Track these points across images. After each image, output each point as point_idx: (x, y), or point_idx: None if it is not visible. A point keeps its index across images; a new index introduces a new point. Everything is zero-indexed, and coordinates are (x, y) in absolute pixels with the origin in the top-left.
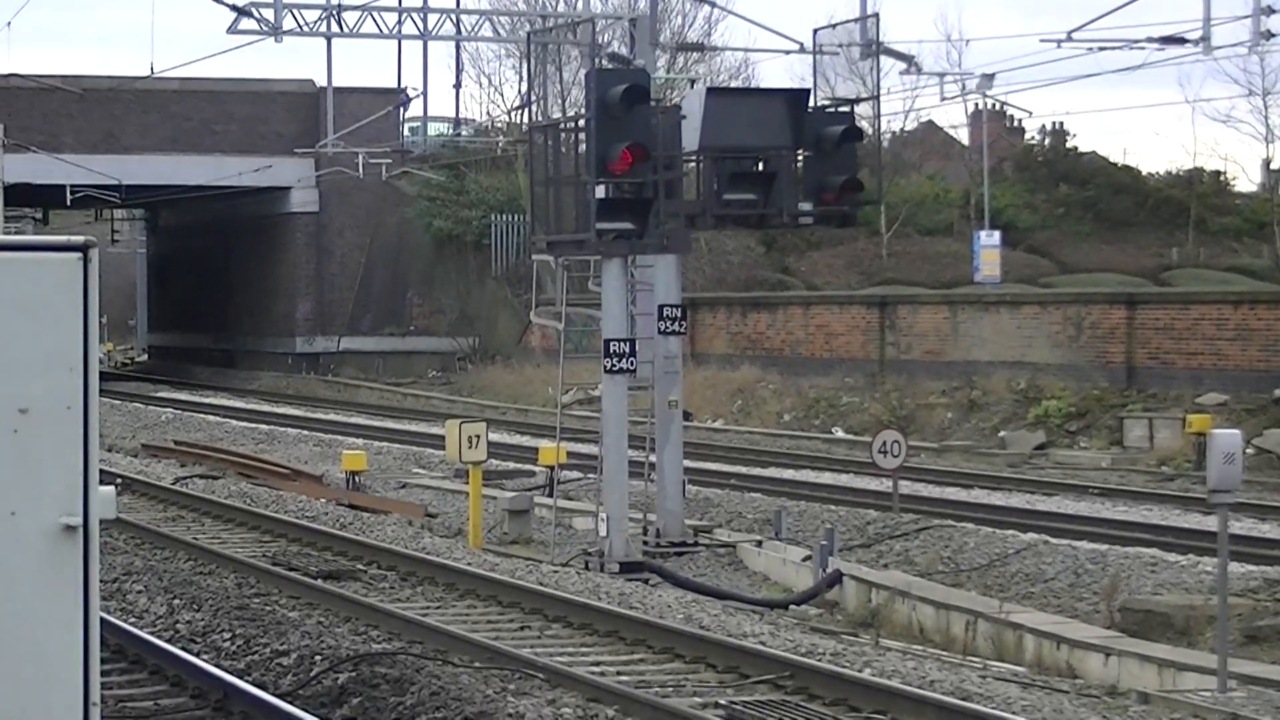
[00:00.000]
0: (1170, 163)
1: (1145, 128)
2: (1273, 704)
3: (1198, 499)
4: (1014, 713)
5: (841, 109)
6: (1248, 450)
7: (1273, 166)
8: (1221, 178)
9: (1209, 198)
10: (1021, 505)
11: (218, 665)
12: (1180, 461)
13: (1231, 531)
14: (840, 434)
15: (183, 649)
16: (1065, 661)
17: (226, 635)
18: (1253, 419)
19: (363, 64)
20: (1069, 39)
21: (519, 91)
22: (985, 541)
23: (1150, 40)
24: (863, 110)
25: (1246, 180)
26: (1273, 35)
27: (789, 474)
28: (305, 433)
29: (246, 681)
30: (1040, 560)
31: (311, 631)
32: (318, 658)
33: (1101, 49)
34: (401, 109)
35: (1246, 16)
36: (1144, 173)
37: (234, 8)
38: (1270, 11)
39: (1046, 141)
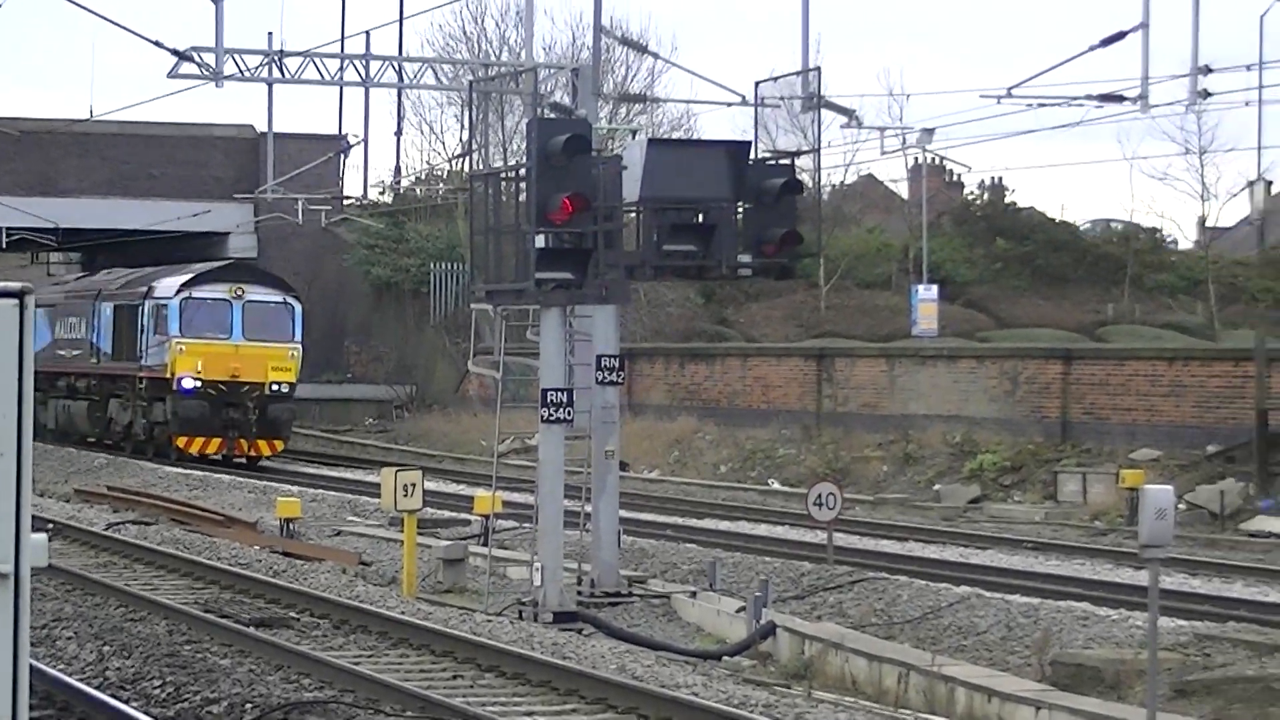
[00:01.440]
0: (1108, 218)
1: (1083, 184)
2: None
3: (1130, 554)
4: None
5: (782, 161)
6: (1180, 506)
7: (1208, 224)
8: (1158, 235)
9: (1145, 254)
10: (955, 559)
11: (147, 713)
12: (1113, 516)
13: (1162, 587)
14: (776, 485)
15: (112, 696)
16: (996, 715)
17: (157, 683)
18: (1185, 474)
19: (304, 110)
20: (1009, 95)
21: (460, 140)
22: (919, 594)
23: (1089, 97)
24: (803, 163)
25: (1182, 237)
26: (1210, 94)
27: (724, 525)
28: (240, 479)
29: None
30: (973, 613)
31: (243, 679)
32: (249, 706)
33: (1041, 105)
34: (342, 155)
35: (1184, 75)
36: (1081, 228)
37: (175, 52)
38: (1207, 71)
39: (985, 196)
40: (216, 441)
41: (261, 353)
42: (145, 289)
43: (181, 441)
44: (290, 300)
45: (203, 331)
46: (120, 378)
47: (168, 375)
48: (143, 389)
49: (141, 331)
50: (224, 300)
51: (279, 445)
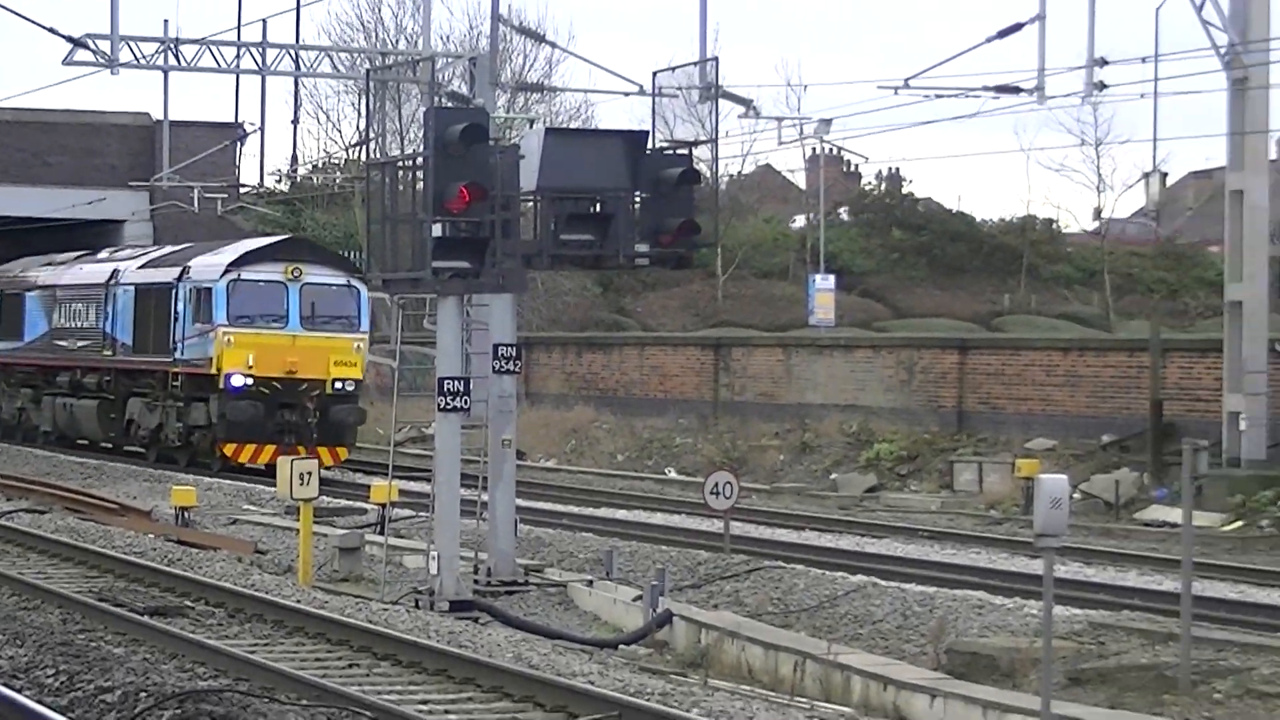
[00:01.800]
0: (1005, 210)
1: (981, 175)
2: None
3: (1025, 543)
4: None
5: (680, 151)
6: (1075, 495)
7: (1104, 215)
8: (1054, 225)
9: (1042, 245)
10: (851, 547)
11: (40, 702)
12: (1008, 505)
13: (1057, 575)
14: (673, 475)
15: (4, 685)
16: (892, 703)
17: (50, 671)
18: (1080, 464)
19: (200, 98)
20: (906, 86)
21: (357, 128)
22: (815, 583)
23: (986, 89)
24: (701, 153)
25: (1078, 228)
26: (1105, 86)
27: (621, 514)
28: (135, 468)
29: (69, 719)
30: (869, 602)
31: (137, 668)
32: (143, 695)
33: (938, 96)
34: (238, 143)
35: (1080, 67)
36: (978, 219)
37: (70, 39)
38: (1103, 63)
39: (883, 186)
40: (270, 449)
41: (323, 345)
42: (179, 270)
43: (229, 449)
44: (354, 282)
45: (254, 320)
46: (145, 373)
47: (212, 371)
48: (177, 387)
49: (176, 320)
50: (278, 282)
51: (343, 454)
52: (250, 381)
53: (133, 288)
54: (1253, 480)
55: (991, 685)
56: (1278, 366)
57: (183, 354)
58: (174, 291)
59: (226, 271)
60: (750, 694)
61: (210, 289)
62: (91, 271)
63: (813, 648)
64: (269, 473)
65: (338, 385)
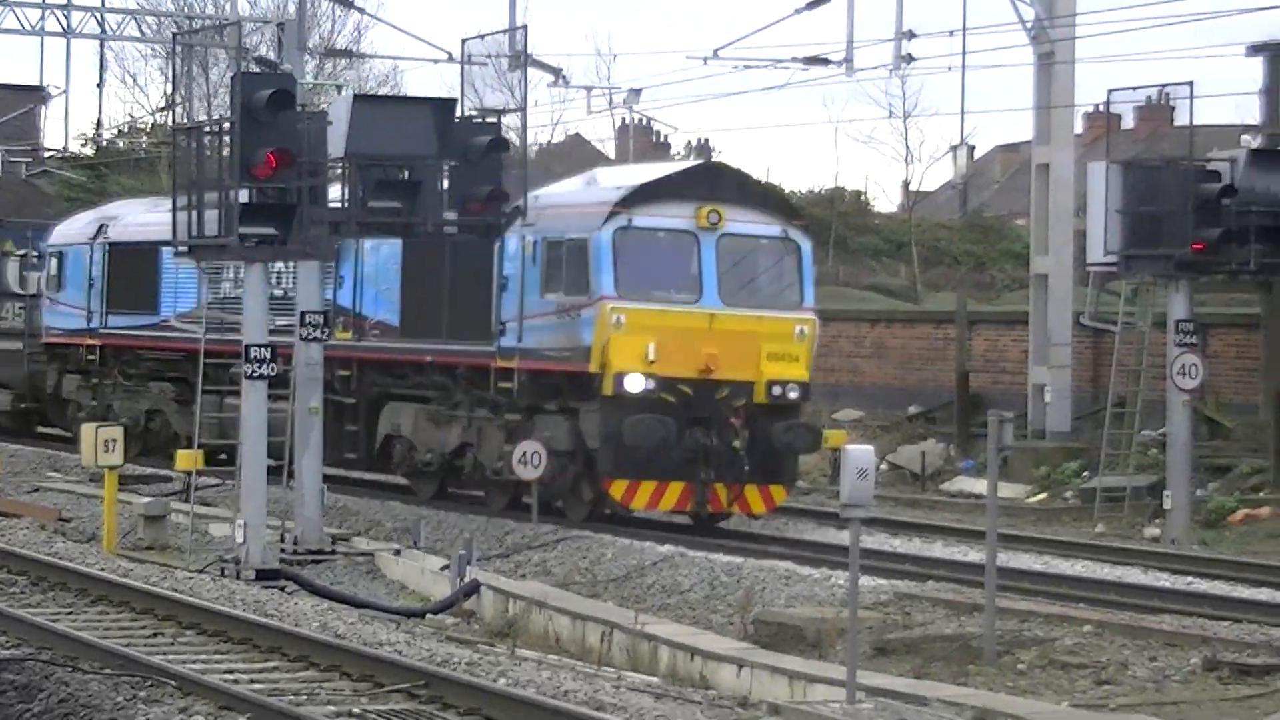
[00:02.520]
0: (814, 181)
1: (790, 146)
2: (899, 715)
3: (832, 513)
4: None
5: (489, 119)
6: (881, 466)
7: (911, 188)
8: (862, 197)
9: (850, 217)
10: (659, 517)
11: None
12: (816, 476)
13: (864, 546)
14: None
15: None
16: (699, 673)
17: None
18: (887, 435)
19: (3, 60)
20: (715, 56)
21: (164, 92)
22: (623, 553)
23: (795, 60)
24: (510, 121)
25: (886, 201)
26: (913, 59)
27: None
28: None
29: None
30: (677, 572)
31: None
32: None
33: (747, 67)
34: (43, 107)
35: (889, 40)
36: (787, 190)
37: None
38: (911, 36)
39: (692, 157)
40: (678, 488)
41: (751, 328)
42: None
43: (618, 489)
44: (793, 235)
45: (649, 290)
46: (431, 369)
47: (590, 368)
48: (509, 390)
49: (502, 288)
50: (687, 232)
51: (779, 495)
52: (653, 385)
53: (399, 240)
54: (1057, 452)
55: (798, 655)
56: (1082, 339)
57: (519, 341)
58: (498, 245)
59: (612, 215)
60: (558, 663)
61: (584, 242)
62: None
63: (620, 618)
64: (631, 521)
65: (775, 391)
